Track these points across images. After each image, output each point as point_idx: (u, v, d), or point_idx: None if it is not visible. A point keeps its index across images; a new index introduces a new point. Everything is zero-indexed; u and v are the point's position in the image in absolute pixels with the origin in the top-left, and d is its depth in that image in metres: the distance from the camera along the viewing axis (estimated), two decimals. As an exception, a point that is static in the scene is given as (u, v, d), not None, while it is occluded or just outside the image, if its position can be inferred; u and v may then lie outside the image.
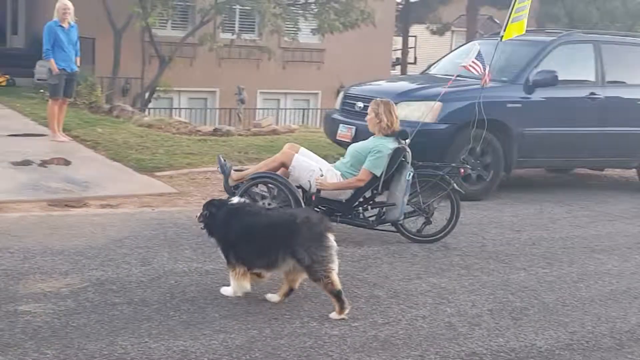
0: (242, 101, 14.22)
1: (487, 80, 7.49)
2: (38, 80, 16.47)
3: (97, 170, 8.21)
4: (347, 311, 4.37)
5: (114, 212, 6.72)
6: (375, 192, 6.08)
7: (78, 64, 10.08)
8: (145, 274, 4.95)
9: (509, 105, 8.41)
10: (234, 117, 18.04)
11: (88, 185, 7.50)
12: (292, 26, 17.45)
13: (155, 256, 5.38)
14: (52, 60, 9.64)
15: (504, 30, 7.93)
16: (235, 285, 4.56)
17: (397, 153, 5.96)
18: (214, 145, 10.00)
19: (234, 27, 18.33)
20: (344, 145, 8.85)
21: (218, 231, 4.60)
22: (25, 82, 16.30)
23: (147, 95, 16.97)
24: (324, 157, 9.88)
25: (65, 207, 6.73)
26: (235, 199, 4.81)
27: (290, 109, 20.56)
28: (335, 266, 4.36)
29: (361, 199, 6.06)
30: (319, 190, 5.82)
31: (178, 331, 4.04)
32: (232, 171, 6.09)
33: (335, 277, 4.35)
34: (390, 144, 5.99)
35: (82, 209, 6.75)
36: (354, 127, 8.33)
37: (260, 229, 4.49)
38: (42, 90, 14.62)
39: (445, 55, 10.64)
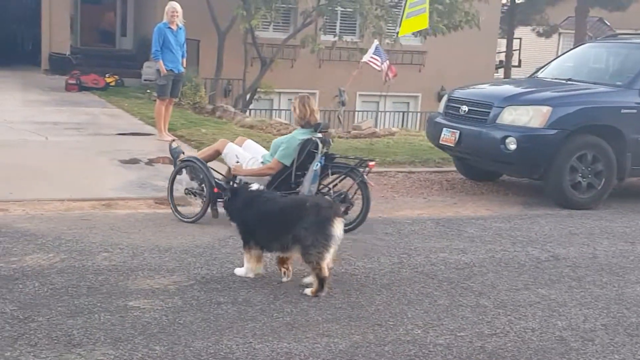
0: (342, 103, 14.15)
1: (391, 75, 7.31)
2: (145, 80, 17.08)
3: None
4: (322, 294, 4.55)
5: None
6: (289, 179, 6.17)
7: (184, 65, 10.32)
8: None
9: (624, 110, 7.98)
10: (333, 118, 18.07)
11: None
12: (394, 28, 17.31)
13: (258, 256, 5.40)
14: (161, 61, 9.90)
15: (399, 27, 7.59)
16: (247, 267, 4.82)
17: (305, 144, 6.11)
18: (314, 147, 10.00)
19: (335, 29, 18.40)
20: (447, 149, 8.70)
21: (237, 215, 4.82)
22: (133, 83, 16.93)
23: (248, 96, 17.25)
24: (425, 161, 9.98)
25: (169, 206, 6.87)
26: (255, 185, 5.01)
27: (389, 111, 20.39)
28: (328, 255, 4.50)
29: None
30: (235, 176, 6.24)
31: (282, 333, 4.03)
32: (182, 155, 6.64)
33: (324, 264, 4.51)
34: (301, 135, 6.17)
35: (188, 207, 6.87)
36: (458, 131, 8.13)
37: (274, 213, 4.68)
38: (148, 91, 15.14)
39: (555, 59, 10.27)
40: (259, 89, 17.49)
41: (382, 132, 12.04)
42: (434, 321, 4.33)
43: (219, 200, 6.01)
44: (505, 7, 25.86)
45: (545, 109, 7.59)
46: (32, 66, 18.60)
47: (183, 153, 6.76)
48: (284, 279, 4.80)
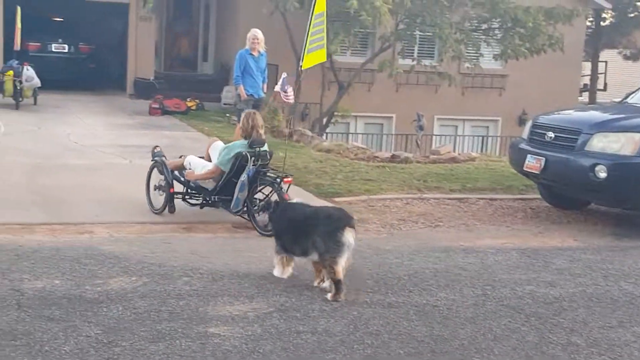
0: (421, 128, 14.08)
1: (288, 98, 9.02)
2: (224, 104, 17.37)
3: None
4: (340, 298, 4.89)
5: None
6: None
7: (265, 90, 10.42)
8: (328, 303, 4.88)
9: None
10: (410, 143, 17.92)
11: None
12: (474, 52, 17.10)
13: (337, 285, 5.32)
14: (241, 87, 10.00)
15: (302, 61, 8.61)
16: (278, 269, 5.33)
17: (237, 157, 6.83)
18: (392, 172, 9.90)
19: (412, 53, 18.29)
20: (532, 177, 8.42)
21: (274, 225, 5.50)
22: (213, 106, 17.23)
23: (325, 120, 17.29)
24: (507, 188, 9.68)
25: (247, 230, 6.88)
26: (295, 199, 5.82)
27: (468, 135, 20.07)
28: (341, 260, 4.91)
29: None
30: (188, 180, 7.18)
31: (363, 366, 3.92)
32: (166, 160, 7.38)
33: (339, 268, 4.91)
34: (238, 148, 6.89)
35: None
36: (544, 158, 7.85)
37: (297, 222, 5.22)
38: (228, 115, 15.36)
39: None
40: (336, 113, 17.51)
41: (462, 157, 11.80)
42: (523, 359, 4.13)
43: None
44: (590, 30, 25.14)
45: (638, 137, 7.26)
46: (119, 91, 19.22)
47: (164, 157, 7.48)
48: (315, 283, 5.22)
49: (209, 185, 7.03)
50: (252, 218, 6.79)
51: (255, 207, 6.68)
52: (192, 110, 16.19)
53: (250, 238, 6.53)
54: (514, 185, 9.66)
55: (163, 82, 18.66)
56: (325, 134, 16.63)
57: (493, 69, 19.53)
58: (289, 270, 5.34)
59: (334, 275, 4.91)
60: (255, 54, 10.09)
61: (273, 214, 5.48)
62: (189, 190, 7.21)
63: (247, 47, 10.10)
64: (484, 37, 17.10)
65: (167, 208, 7.03)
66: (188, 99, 16.57)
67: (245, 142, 6.89)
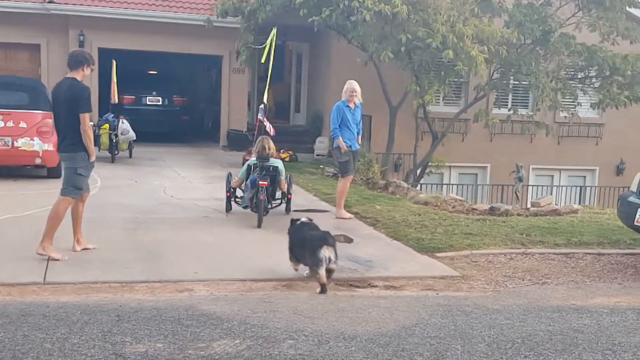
0: (520, 179, 13.58)
1: (272, 132, 11.02)
2: (317, 155, 17.39)
3: (378, 249, 8.15)
4: (323, 294, 6.31)
5: (399, 294, 6.51)
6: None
7: (359, 142, 10.30)
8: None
9: None
10: (506, 193, 17.38)
11: (371, 264, 7.42)
12: (570, 101, 16.55)
13: (448, 349, 5.00)
14: (341, 139, 9.92)
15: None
16: (293, 266, 6.92)
17: (248, 167, 9.69)
18: (493, 226, 9.50)
19: (507, 102, 17.87)
20: (643, 231, 7.90)
21: (289, 239, 7.03)
22: (306, 157, 17.28)
23: (419, 170, 17.00)
24: (615, 242, 9.09)
25: (350, 287, 6.66)
26: (303, 218, 7.37)
27: (564, 185, 19.33)
28: (320, 270, 6.36)
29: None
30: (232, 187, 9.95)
31: None
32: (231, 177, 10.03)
33: (320, 274, 6.37)
34: (250, 162, 9.72)
35: (367, 289, 6.64)
36: (661, 212, 7.34)
37: (298, 241, 6.81)
38: (321, 166, 15.32)
39: None
40: (430, 163, 17.20)
41: (564, 210, 11.26)
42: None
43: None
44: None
45: None
46: (212, 142, 19.57)
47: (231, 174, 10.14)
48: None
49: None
50: (258, 212, 9.10)
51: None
52: (286, 161, 16.20)
53: (355, 297, 6.29)
54: (621, 239, 9.13)
55: (256, 133, 18.85)
56: (419, 185, 16.32)
57: (589, 118, 18.87)
58: (299, 268, 6.89)
59: (319, 279, 6.39)
60: (352, 105, 10.02)
61: (289, 230, 7.14)
62: (235, 196, 9.99)
63: (343, 98, 10.05)
64: (580, 85, 16.55)
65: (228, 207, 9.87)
66: (281, 150, 16.62)
67: (257, 158, 9.56)
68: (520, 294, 6.70)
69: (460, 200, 11.44)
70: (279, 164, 9.72)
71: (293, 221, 7.24)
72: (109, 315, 5.39)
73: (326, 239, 6.56)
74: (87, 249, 7.47)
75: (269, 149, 9.52)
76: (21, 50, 18.37)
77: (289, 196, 9.96)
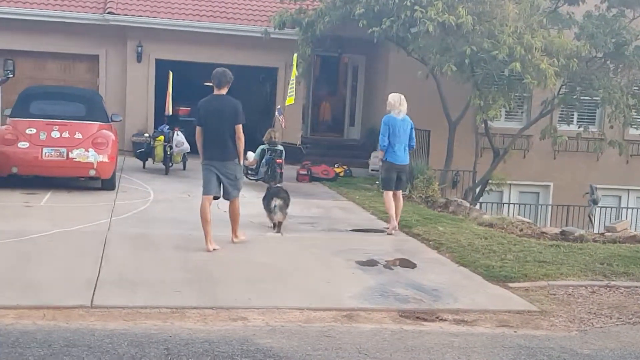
0: (594, 201, 12.78)
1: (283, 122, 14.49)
2: (372, 170, 16.84)
3: (444, 276, 7.56)
4: (274, 231, 9.40)
5: (472, 331, 5.91)
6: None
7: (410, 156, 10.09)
8: None
9: None
10: (571, 215, 16.52)
11: (438, 294, 6.84)
12: (643, 118, 15.70)
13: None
14: (382, 151, 9.81)
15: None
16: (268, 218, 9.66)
17: (262, 151, 13.51)
18: (569, 253, 8.76)
19: (572, 118, 17.04)
20: None
21: (265, 196, 9.74)
22: (360, 173, 16.77)
23: (478, 189, 16.31)
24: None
25: (417, 320, 6.10)
26: (278, 185, 11.02)
27: (633, 207, 18.33)
28: (276, 216, 9.39)
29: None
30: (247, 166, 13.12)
31: None
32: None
33: (271, 216, 9.49)
34: (262, 146, 13.61)
35: (435, 323, 6.06)
36: None
37: (265, 197, 9.72)
38: (377, 182, 14.76)
39: None
40: (490, 181, 16.49)
41: (642, 235, 10.43)
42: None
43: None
44: None
45: None
46: (265, 155, 19.18)
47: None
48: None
49: (254, 166, 13.74)
50: (275, 179, 12.60)
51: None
52: (340, 176, 15.76)
53: (423, 333, 5.71)
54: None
55: (310, 147, 18.46)
56: (479, 204, 15.62)
57: (663, 136, 17.90)
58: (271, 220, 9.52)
59: (272, 220, 9.44)
60: (400, 117, 9.78)
61: (267, 191, 9.82)
62: (248, 171, 13.53)
63: (390, 111, 9.83)
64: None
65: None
66: (336, 165, 16.20)
67: (266, 144, 13.53)
68: (611, 335, 6.01)
69: (528, 222, 10.74)
70: (282, 148, 13.76)
71: (269, 188, 10.00)
72: (157, 347, 4.96)
73: (278, 193, 9.52)
74: (243, 241, 8.67)
75: (276, 137, 13.86)
76: (80, 61, 18.39)
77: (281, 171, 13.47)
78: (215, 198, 8.42)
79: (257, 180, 13.33)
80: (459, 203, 12.18)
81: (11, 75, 15.15)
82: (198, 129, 8.35)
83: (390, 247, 8.89)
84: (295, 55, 14.24)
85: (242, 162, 8.42)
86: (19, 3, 17.21)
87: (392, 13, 13.53)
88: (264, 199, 9.61)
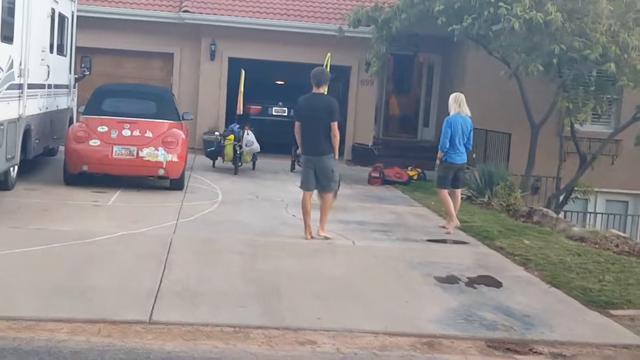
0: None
1: None
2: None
3: (534, 299, 6.81)
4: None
5: (570, 367, 5.20)
6: None
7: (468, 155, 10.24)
8: None
9: None
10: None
11: (530, 320, 6.10)
12: None
13: None
14: (441, 152, 9.86)
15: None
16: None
17: None
18: (676, 275, 7.84)
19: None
20: None
21: None
22: (434, 176, 15.90)
23: (562, 196, 15.33)
24: None
25: (507, 352, 5.41)
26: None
27: None
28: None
29: None
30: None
31: None
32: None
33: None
34: None
35: (529, 357, 5.36)
36: None
37: None
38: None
39: None
40: (576, 188, 15.47)
41: None
42: None
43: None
44: None
45: None
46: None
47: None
48: None
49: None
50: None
51: None
52: (414, 180, 15.05)
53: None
54: None
55: (382, 147, 17.85)
56: (562, 213, 14.64)
57: None
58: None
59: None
60: (461, 116, 9.79)
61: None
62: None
63: (452, 111, 9.82)
64: None
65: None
66: (409, 168, 15.51)
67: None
68: None
69: (624, 237, 9.82)
70: None
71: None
72: (217, 377, 4.45)
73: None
74: (327, 238, 8.75)
75: None
76: (154, 59, 18.44)
77: None
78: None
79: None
80: (544, 213, 11.32)
81: (87, 73, 15.19)
82: (297, 124, 8.83)
83: (471, 262, 8.18)
84: (329, 54, 13.91)
85: (336, 157, 8.76)
86: (98, 2, 17.29)
87: (474, 10, 12.77)
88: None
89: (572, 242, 9.34)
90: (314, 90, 8.77)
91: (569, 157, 15.91)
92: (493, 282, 7.29)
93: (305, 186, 8.77)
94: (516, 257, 8.39)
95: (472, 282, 7.23)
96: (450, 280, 7.28)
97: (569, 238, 9.61)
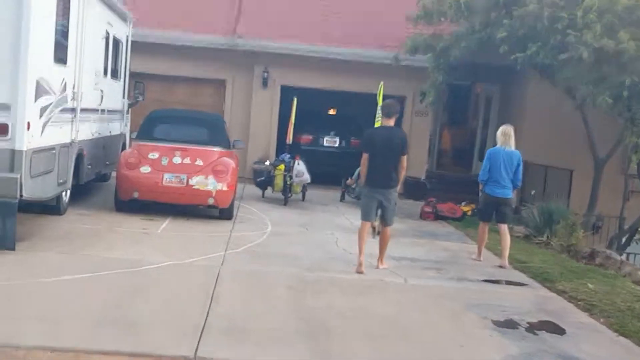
0: None
1: None
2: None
3: (601, 348, 6.38)
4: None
5: None
6: None
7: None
8: None
9: None
10: None
11: (596, 374, 5.69)
12: None
13: None
14: (481, 184, 9.87)
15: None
16: None
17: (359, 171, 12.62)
18: None
19: None
20: None
21: None
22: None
23: (625, 237, 14.66)
24: None
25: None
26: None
27: None
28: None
29: None
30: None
31: None
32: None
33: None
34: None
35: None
36: None
37: None
38: (510, 226, 13.50)
39: None
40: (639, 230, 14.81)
41: None
42: None
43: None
44: None
45: None
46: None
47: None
48: None
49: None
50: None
51: None
52: (467, 215, 14.59)
53: None
54: None
55: (434, 181, 17.44)
56: (626, 255, 13.98)
57: None
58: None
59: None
60: (506, 150, 9.69)
61: None
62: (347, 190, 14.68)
63: (498, 144, 9.78)
64: None
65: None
66: (463, 203, 15.05)
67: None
68: None
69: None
70: None
71: None
72: None
73: None
74: (385, 268, 8.82)
75: None
76: (206, 85, 18.32)
77: None
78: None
79: (354, 197, 14.15)
80: (608, 255, 10.77)
81: (141, 99, 15.20)
82: (365, 155, 8.66)
83: (531, 305, 7.75)
84: (381, 83, 13.62)
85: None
86: (153, 26, 17.18)
87: (539, 37, 12.32)
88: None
89: (639, 287, 8.81)
90: (384, 122, 8.83)
91: (634, 196, 15.27)
92: (556, 329, 6.86)
93: (367, 217, 8.77)
94: (579, 302, 7.93)
95: (532, 328, 6.82)
96: (509, 324, 6.88)
97: (636, 283, 9.08)
